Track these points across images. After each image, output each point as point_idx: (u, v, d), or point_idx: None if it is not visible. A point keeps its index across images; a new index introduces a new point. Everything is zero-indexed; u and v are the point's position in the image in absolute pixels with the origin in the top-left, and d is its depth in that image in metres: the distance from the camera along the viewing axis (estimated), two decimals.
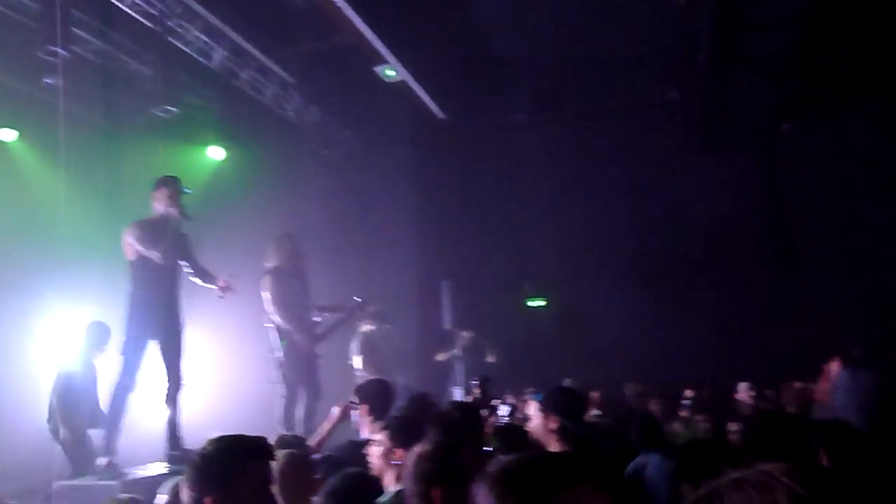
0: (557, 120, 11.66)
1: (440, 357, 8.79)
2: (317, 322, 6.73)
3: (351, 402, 4.23)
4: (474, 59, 10.71)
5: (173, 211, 5.26)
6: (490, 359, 8.97)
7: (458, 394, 8.06)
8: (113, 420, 5.03)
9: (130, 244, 5.14)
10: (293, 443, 3.58)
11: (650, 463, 4.23)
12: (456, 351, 8.60)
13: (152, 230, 5.20)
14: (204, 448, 2.07)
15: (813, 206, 11.07)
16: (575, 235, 11.70)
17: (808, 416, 5.72)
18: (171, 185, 5.36)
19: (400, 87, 9.02)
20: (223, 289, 5.54)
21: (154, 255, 5.07)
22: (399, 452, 2.78)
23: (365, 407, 4.07)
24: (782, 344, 10.21)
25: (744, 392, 6.05)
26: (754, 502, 0.96)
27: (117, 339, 5.24)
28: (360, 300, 6.89)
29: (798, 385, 7.32)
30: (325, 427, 4.27)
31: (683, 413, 6.62)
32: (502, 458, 1.39)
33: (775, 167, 11.47)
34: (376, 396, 4.13)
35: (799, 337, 10.29)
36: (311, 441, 4.13)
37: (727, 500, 0.99)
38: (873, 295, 10.10)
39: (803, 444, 3.33)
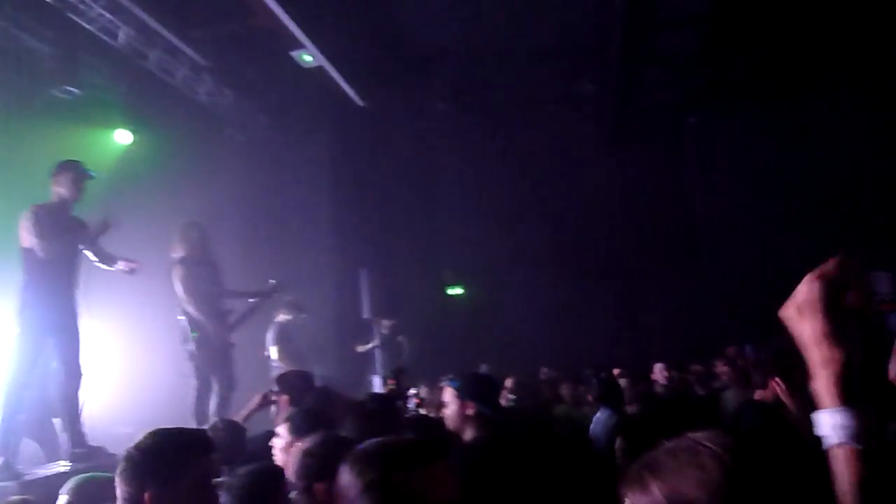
0: (475, 109, 11.79)
1: (360, 348, 8.76)
2: (229, 311, 6.56)
3: (271, 392, 4.19)
4: (393, 48, 10.67)
5: (75, 196, 5.02)
6: (407, 349, 9.00)
7: (377, 383, 8.06)
8: (7, 419, 4.75)
9: (26, 231, 4.85)
10: (227, 429, 3.54)
11: (598, 418, 4.64)
12: (375, 341, 8.59)
13: (50, 217, 4.93)
14: (142, 442, 2.00)
15: (717, 197, 11.67)
16: (492, 224, 11.90)
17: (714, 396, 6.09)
18: (73, 169, 5.09)
19: (317, 72, 8.87)
20: (129, 268, 5.36)
21: (44, 245, 4.80)
22: (299, 445, 2.78)
23: (285, 398, 4.04)
24: (690, 329, 10.76)
25: (659, 373, 6.34)
26: (684, 467, 1.05)
27: (10, 332, 4.93)
28: (274, 282, 6.76)
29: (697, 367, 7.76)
30: (241, 415, 4.20)
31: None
32: (366, 442, 1.50)
33: (682, 159, 12.02)
34: (296, 387, 4.10)
35: (705, 323, 10.88)
36: None
37: (662, 466, 1.08)
38: (775, 281, 10.75)
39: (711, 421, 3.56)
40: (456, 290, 12.12)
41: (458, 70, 11.58)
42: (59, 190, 5.02)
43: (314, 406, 3.48)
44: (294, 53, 8.34)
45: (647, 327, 11.33)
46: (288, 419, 3.05)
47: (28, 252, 4.87)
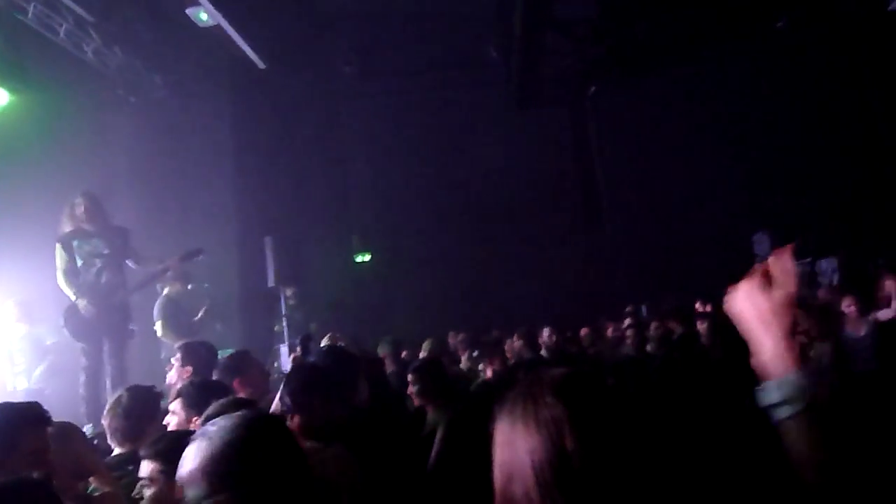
0: (380, 73, 11.66)
1: (277, 328, 8.54)
2: (118, 285, 6.16)
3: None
4: (296, 7, 10.35)
5: None
6: (312, 324, 8.90)
7: (284, 353, 7.98)
8: None
9: None
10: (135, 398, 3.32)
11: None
12: (282, 310, 8.45)
13: None
14: None
15: (617, 163, 12.13)
16: (399, 189, 11.91)
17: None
18: None
19: (215, 32, 8.47)
20: None
21: None
22: (197, 421, 2.63)
23: (188, 368, 3.94)
24: (591, 291, 11.22)
25: (547, 336, 6.60)
26: (519, 415, 1.08)
27: None
28: (198, 249, 6.41)
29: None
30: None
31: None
32: None
33: (584, 125, 12.38)
34: (202, 358, 4.01)
35: (605, 284, 11.37)
36: None
37: (506, 412, 1.11)
38: (673, 244, 11.35)
39: None
40: (364, 258, 12.09)
41: (363, 32, 11.39)
42: None
43: (205, 378, 3.41)
44: (189, 11, 7.93)
45: (549, 291, 11.71)
46: (179, 394, 2.96)
47: None
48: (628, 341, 6.95)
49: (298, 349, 4.43)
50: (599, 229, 12.14)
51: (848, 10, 10.93)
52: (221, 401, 2.47)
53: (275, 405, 3.97)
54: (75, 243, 5.91)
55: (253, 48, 9.22)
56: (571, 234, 12.06)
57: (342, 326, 9.78)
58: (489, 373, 5.07)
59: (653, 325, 7.01)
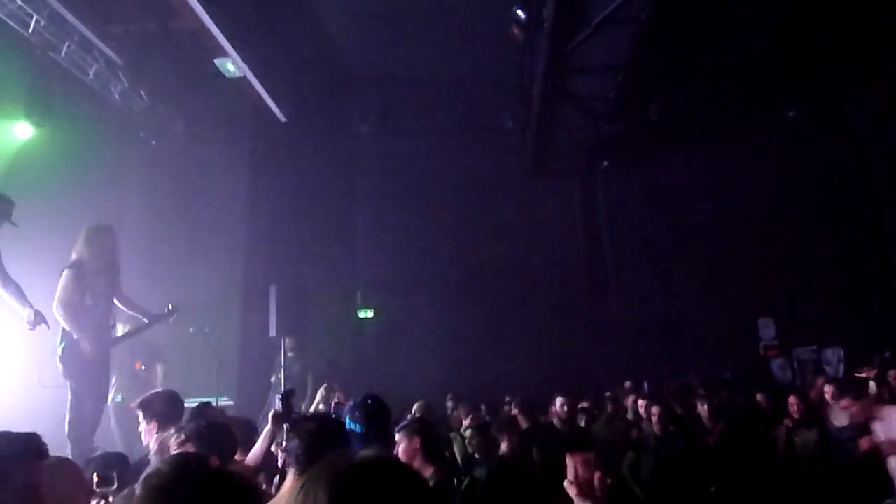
0: (396, 134, 11.87)
1: (274, 379, 8.43)
2: (114, 325, 6.11)
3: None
4: (320, 66, 10.64)
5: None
6: (309, 376, 8.76)
7: (279, 404, 7.82)
8: None
9: None
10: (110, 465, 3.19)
11: None
12: (281, 361, 8.33)
13: None
14: None
15: (624, 237, 12.19)
16: (406, 249, 11.94)
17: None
18: None
19: (240, 83, 8.71)
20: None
21: None
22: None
23: (153, 425, 3.84)
24: (594, 363, 11.09)
25: (560, 406, 6.46)
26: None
27: None
28: (172, 307, 6.34)
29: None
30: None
31: None
32: None
33: (594, 199, 12.51)
34: (166, 413, 3.89)
35: (605, 360, 11.24)
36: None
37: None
38: (678, 323, 11.30)
39: None
40: (367, 314, 12.03)
41: (383, 93, 11.66)
42: None
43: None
44: (217, 61, 8.16)
45: (551, 362, 11.58)
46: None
47: None
48: (630, 415, 6.85)
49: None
50: (604, 304, 12.10)
51: (858, 102, 11.19)
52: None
53: (256, 452, 3.89)
54: (88, 279, 5.75)
55: (275, 101, 9.45)
56: (576, 307, 12.01)
57: (339, 382, 9.66)
58: (504, 447, 4.95)
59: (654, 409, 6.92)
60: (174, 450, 2.96)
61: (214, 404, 6.67)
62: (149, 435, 3.75)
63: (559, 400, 7.15)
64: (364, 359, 11.69)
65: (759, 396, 7.31)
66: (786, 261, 11.50)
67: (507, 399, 7.88)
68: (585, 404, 7.93)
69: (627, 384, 9.30)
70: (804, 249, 11.56)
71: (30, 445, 1.98)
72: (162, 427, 3.65)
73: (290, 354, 8.63)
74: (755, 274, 11.39)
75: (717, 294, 11.35)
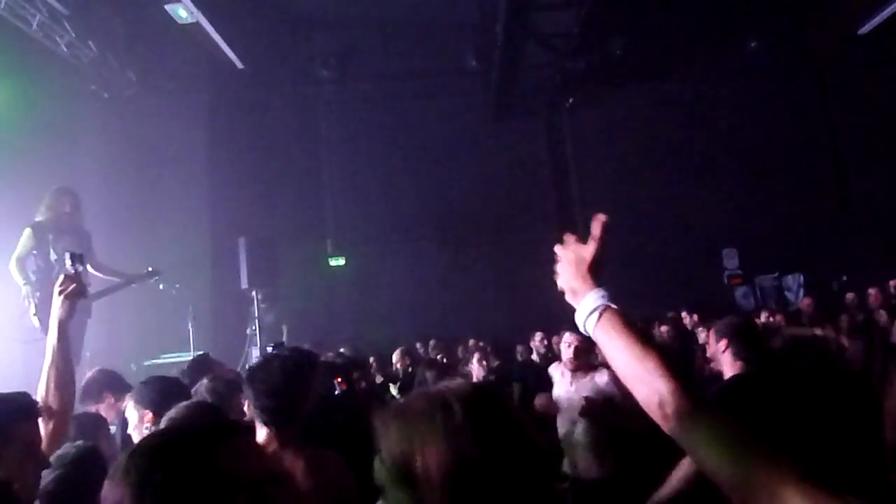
0: (359, 78, 11.62)
1: (249, 331, 8.42)
2: (87, 284, 6.05)
3: None
4: (276, 9, 10.28)
5: None
6: (284, 325, 8.79)
7: (255, 355, 7.86)
8: None
9: None
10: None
11: None
12: (255, 312, 8.32)
13: None
14: None
15: (591, 173, 12.26)
16: (374, 195, 11.87)
17: None
18: None
19: (193, 30, 8.37)
20: None
21: None
22: (149, 417, 2.66)
23: (148, 414, 3.77)
24: (562, 300, 11.28)
25: (539, 341, 6.61)
26: (423, 426, 1.11)
27: None
28: (152, 269, 6.37)
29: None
30: None
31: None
32: None
33: (560, 137, 12.51)
34: (155, 401, 3.82)
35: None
36: None
37: (407, 420, 1.13)
38: (645, 257, 11.49)
39: None
40: (338, 261, 12.00)
41: (343, 38, 11.35)
42: None
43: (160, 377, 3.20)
44: (168, 7, 7.82)
45: (523, 300, 11.75)
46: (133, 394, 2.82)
47: None
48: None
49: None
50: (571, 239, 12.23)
51: (818, 34, 11.26)
52: (185, 403, 2.40)
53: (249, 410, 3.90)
54: (51, 237, 5.78)
55: (231, 48, 9.13)
56: (545, 243, 12.11)
57: (313, 330, 9.71)
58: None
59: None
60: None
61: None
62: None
63: (538, 335, 7.32)
64: (337, 306, 11.73)
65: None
66: (747, 191, 11.73)
67: (473, 342, 8.04)
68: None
69: None
70: (766, 180, 11.78)
71: (26, 403, 1.96)
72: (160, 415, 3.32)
73: (262, 306, 8.63)
74: (718, 205, 11.61)
75: (681, 226, 11.56)
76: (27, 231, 5.80)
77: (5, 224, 6.13)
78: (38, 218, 5.87)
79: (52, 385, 2.33)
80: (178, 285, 7.19)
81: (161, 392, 2.76)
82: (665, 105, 11.81)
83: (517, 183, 12.16)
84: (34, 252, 5.80)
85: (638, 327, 1.36)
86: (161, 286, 7.01)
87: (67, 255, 2.62)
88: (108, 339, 6.43)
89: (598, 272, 1.49)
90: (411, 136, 11.85)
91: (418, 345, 8.57)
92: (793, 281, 11.50)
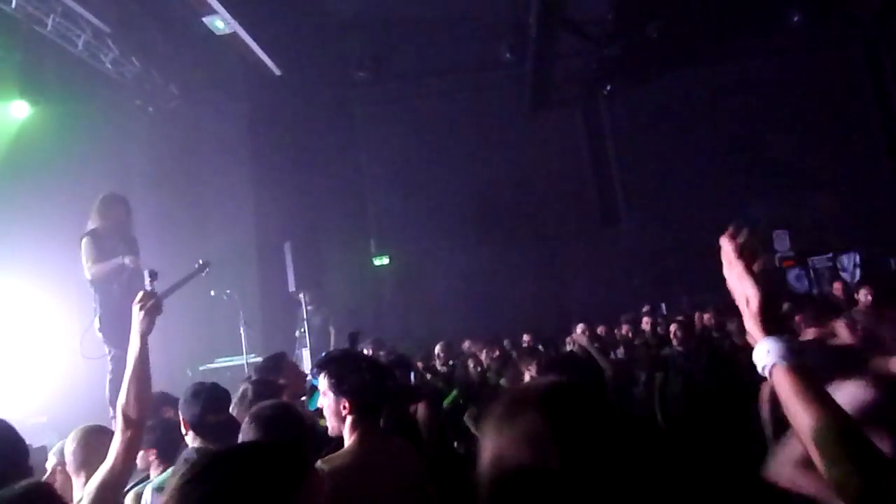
0: (395, 77, 11.67)
1: (297, 333, 8.55)
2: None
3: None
4: (309, 14, 10.38)
5: None
6: (331, 326, 8.88)
7: (306, 357, 7.99)
8: None
9: None
10: None
11: None
12: (303, 314, 8.45)
13: None
14: None
15: (634, 162, 12.08)
16: (414, 192, 11.90)
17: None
18: None
19: (230, 40, 8.52)
20: None
21: None
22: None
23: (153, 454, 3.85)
24: (608, 292, 11.15)
25: (579, 332, 6.54)
26: (511, 429, 1.10)
27: None
28: (202, 262, 6.46)
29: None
30: None
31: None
32: None
33: (599, 125, 12.34)
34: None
35: (622, 285, 11.30)
36: None
37: (496, 424, 1.12)
38: (691, 243, 11.26)
39: None
40: (382, 261, 12.09)
41: (376, 37, 11.41)
42: None
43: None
44: (206, 19, 7.98)
45: (567, 292, 11.66)
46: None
47: None
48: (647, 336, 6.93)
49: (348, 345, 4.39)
50: (615, 229, 12.08)
51: (863, 1, 10.85)
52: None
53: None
54: (107, 245, 5.84)
55: (268, 55, 9.27)
56: (587, 234, 12.01)
57: (360, 330, 9.78)
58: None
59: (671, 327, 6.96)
60: None
61: (246, 362, 6.83)
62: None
63: (580, 326, 7.25)
64: (382, 305, 11.82)
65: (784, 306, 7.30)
66: (797, 171, 11.39)
67: (526, 338, 7.97)
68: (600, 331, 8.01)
69: (646, 308, 9.34)
70: (815, 158, 11.42)
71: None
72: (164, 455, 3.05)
73: (310, 308, 8.76)
74: (767, 186, 11.30)
75: (729, 210, 11.28)
76: (87, 239, 5.83)
77: (61, 236, 6.32)
78: (93, 226, 5.92)
79: (132, 397, 2.39)
80: (228, 291, 7.34)
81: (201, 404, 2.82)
82: (707, 86, 11.54)
83: (557, 174, 12.06)
84: (99, 257, 5.82)
85: (812, 387, 1.24)
86: (212, 292, 7.17)
87: (147, 273, 2.68)
88: (164, 345, 6.56)
89: (768, 315, 1.34)
90: (449, 132, 11.86)
91: (467, 343, 8.55)
92: (848, 261, 11.11)
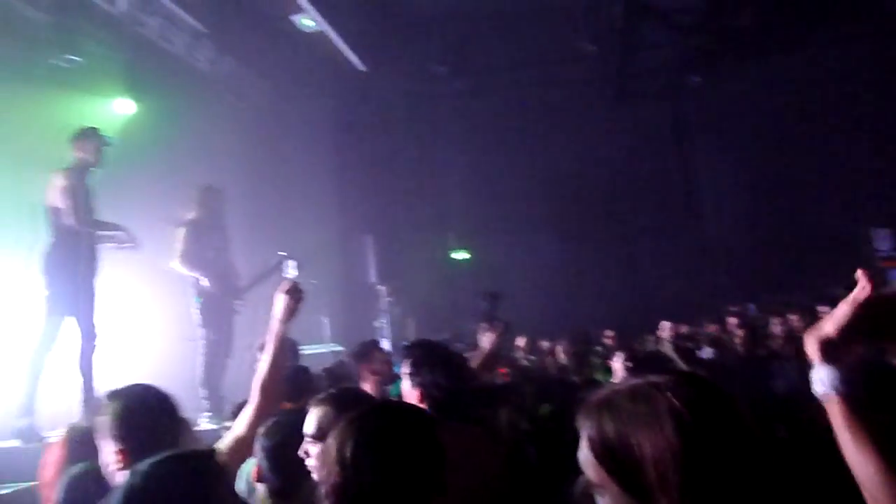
0: (475, 72, 11.69)
1: (377, 324, 8.76)
2: (236, 277, 6.56)
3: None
4: (392, 10, 10.55)
5: (96, 162, 5.14)
6: (409, 319, 9.02)
7: (385, 347, 8.14)
8: (33, 380, 4.87)
9: (60, 191, 4.95)
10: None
11: None
12: (383, 306, 8.65)
13: (80, 181, 5.04)
14: None
15: (718, 155, 11.67)
16: (494, 186, 11.90)
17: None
18: (94, 136, 5.28)
19: (317, 37, 8.78)
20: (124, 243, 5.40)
21: (75, 208, 4.91)
22: None
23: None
24: (690, 288, 10.84)
25: (667, 332, 6.34)
26: (639, 410, 1.07)
27: (36, 291, 5.01)
28: (284, 253, 6.75)
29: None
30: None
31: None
32: None
33: (684, 118, 11.98)
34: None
35: (705, 282, 10.96)
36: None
37: (618, 406, 1.10)
38: (781, 240, 10.82)
39: None
40: (461, 255, 12.17)
41: (457, 32, 11.47)
42: (81, 155, 5.14)
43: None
44: (294, 18, 8.25)
45: (648, 287, 11.40)
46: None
47: (56, 211, 4.97)
48: (738, 341, 6.65)
49: (487, 305, 4.49)
50: (700, 224, 11.72)
51: None
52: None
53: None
54: (203, 235, 6.20)
55: (352, 51, 9.49)
56: (671, 229, 11.69)
57: (438, 323, 9.91)
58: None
59: (775, 322, 6.68)
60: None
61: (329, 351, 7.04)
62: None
63: (666, 325, 7.04)
64: (460, 299, 11.89)
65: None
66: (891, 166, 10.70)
67: (609, 334, 7.85)
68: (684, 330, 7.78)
69: (734, 308, 9.02)
70: None
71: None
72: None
73: (389, 299, 8.95)
74: (866, 182, 10.68)
75: (824, 207, 10.74)
76: (183, 229, 6.21)
77: (158, 231, 6.69)
78: (191, 216, 6.28)
79: (268, 379, 2.52)
80: (314, 281, 7.57)
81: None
82: (803, 75, 10.98)
83: (641, 168, 11.79)
84: (192, 248, 6.21)
85: (862, 425, 1.21)
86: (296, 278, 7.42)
87: (290, 262, 2.81)
88: (251, 334, 6.86)
89: (832, 344, 1.28)
90: (529, 125, 11.79)
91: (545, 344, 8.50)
92: None
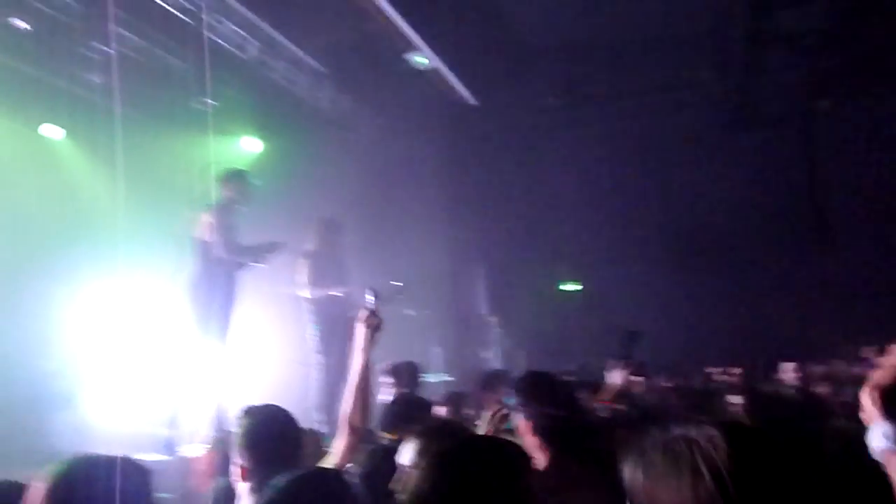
0: (588, 102, 11.60)
1: (486, 355, 8.81)
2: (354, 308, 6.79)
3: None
4: (503, 44, 10.70)
5: (244, 201, 5.58)
6: (522, 351, 8.96)
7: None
8: (176, 395, 5.29)
9: (209, 226, 5.40)
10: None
11: None
12: (492, 336, 8.66)
13: (229, 217, 5.48)
14: None
15: (850, 184, 10.90)
16: (608, 218, 11.67)
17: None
18: (242, 177, 5.87)
19: (430, 73, 9.05)
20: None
21: (225, 241, 5.35)
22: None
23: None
24: (819, 324, 10.10)
25: (790, 372, 5.91)
26: (666, 464, 1.06)
27: (183, 315, 5.45)
28: (399, 284, 6.90)
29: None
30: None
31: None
32: None
33: (812, 144, 11.30)
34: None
35: (836, 317, 10.18)
36: None
37: (649, 458, 1.10)
38: None
39: None
40: (571, 286, 11.99)
41: (568, 63, 11.45)
42: (230, 194, 5.61)
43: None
44: (408, 56, 8.54)
45: (771, 324, 10.73)
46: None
47: (205, 245, 5.40)
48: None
49: (624, 342, 4.48)
50: (831, 262, 10.93)
51: None
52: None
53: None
54: (321, 266, 6.52)
55: (464, 86, 9.70)
56: (799, 268, 10.98)
57: (546, 355, 9.77)
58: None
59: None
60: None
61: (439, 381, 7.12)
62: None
63: (790, 366, 6.58)
64: (568, 330, 11.67)
65: None
66: None
67: (736, 371, 7.43)
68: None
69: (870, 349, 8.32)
70: None
71: None
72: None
73: (499, 330, 8.95)
74: None
75: None
76: (307, 262, 6.54)
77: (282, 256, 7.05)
78: (311, 247, 6.61)
79: (357, 406, 2.61)
80: (427, 311, 7.71)
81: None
82: None
83: (763, 199, 11.20)
84: (313, 278, 6.51)
85: None
86: (410, 311, 7.59)
87: (370, 292, 2.93)
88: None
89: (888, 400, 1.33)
90: (642, 155, 11.52)
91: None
92: None
